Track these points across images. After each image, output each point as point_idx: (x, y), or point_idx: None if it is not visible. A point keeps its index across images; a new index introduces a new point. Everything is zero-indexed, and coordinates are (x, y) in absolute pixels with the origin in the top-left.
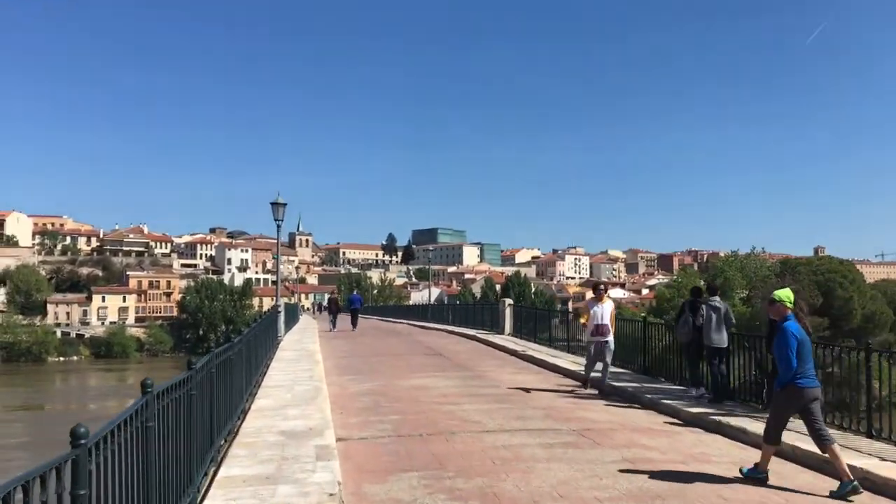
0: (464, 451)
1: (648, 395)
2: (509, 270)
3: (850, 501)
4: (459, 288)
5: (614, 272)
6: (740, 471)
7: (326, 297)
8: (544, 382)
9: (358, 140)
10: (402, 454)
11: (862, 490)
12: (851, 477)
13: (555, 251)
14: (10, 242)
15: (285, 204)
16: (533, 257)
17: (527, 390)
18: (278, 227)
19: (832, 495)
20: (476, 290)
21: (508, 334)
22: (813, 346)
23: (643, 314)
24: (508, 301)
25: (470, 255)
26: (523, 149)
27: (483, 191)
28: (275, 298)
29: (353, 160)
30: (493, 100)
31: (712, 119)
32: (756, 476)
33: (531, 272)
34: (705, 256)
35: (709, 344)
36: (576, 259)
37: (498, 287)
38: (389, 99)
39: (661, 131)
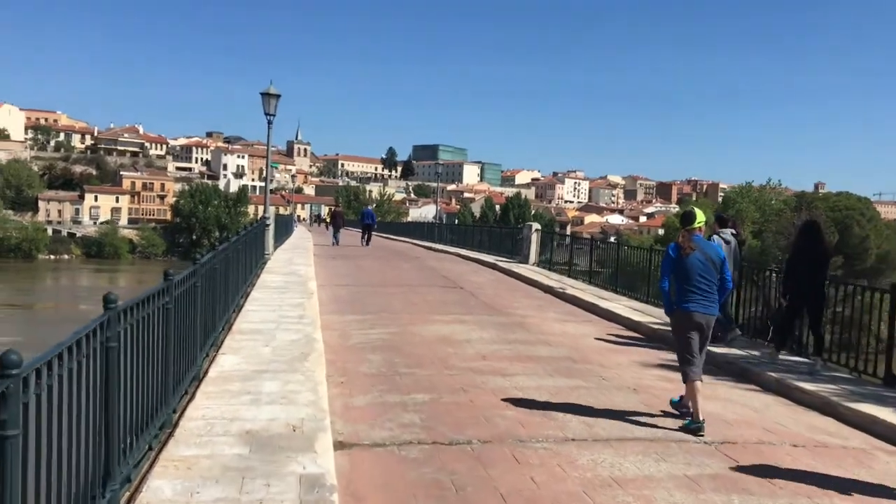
0: (559, 495)
1: (766, 371)
2: (509, 191)
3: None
4: (459, 206)
5: (613, 198)
6: (670, 401)
7: (324, 208)
8: (606, 337)
9: (362, 49)
10: (449, 498)
11: (704, 433)
12: (701, 419)
13: (555, 174)
14: (2, 136)
15: (278, 95)
16: (533, 179)
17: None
18: (269, 122)
19: (680, 429)
20: (475, 209)
21: (533, 264)
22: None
23: (651, 244)
24: (535, 225)
25: (470, 174)
26: (528, 68)
27: (486, 109)
28: (264, 208)
29: (356, 69)
30: (501, 14)
31: (722, 49)
32: (679, 409)
33: (531, 194)
34: (704, 187)
35: None
36: (575, 183)
37: (497, 208)
38: (397, 7)
39: (670, 57)
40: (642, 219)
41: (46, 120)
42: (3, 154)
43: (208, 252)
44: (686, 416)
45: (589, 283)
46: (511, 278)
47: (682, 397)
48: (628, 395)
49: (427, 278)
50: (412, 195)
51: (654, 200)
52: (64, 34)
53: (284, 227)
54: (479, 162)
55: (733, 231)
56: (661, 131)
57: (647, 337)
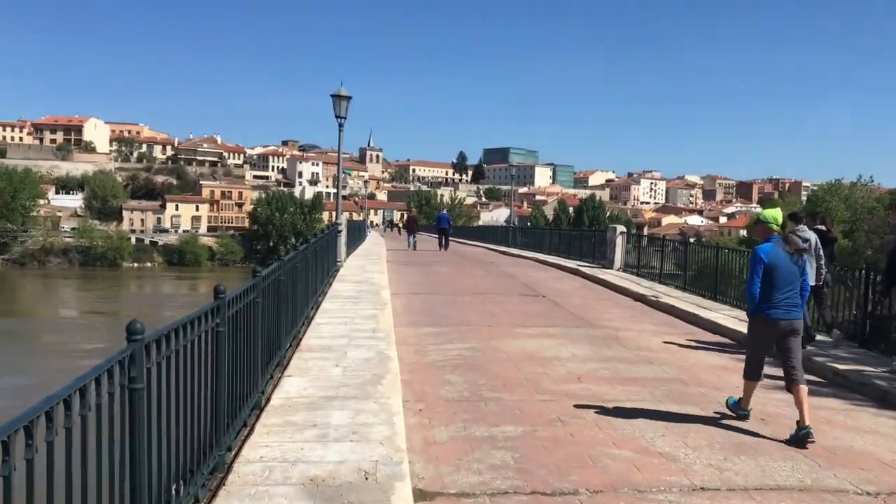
0: None
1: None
2: (582, 193)
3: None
4: (531, 209)
5: (691, 198)
6: (727, 401)
7: (397, 214)
8: (714, 354)
9: (432, 53)
10: None
11: (814, 439)
12: (807, 424)
13: (630, 175)
14: (88, 149)
15: (349, 97)
16: (607, 180)
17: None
18: (340, 125)
19: (788, 441)
20: (548, 211)
21: (619, 269)
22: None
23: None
24: (620, 228)
25: (542, 176)
26: (601, 67)
27: (558, 110)
28: (336, 214)
29: (426, 76)
30: (572, 13)
31: (803, 43)
32: (738, 411)
33: (605, 195)
34: (787, 185)
35: None
36: (651, 183)
37: (571, 210)
38: (465, 9)
39: (748, 54)
40: (722, 219)
41: (129, 132)
42: (89, 166)
43: (273, 263)
44: (743, 417)
45: (684, 290)
46: (597, 285)
47: (740, 399)
48: (757, 427)
49: (505, 286)
50: (483, 199)
51: (734, 200)
52: (144, 49)
53: (357, 233)
54: (550, 164)
55: (822, 228)
56: (740, 129)
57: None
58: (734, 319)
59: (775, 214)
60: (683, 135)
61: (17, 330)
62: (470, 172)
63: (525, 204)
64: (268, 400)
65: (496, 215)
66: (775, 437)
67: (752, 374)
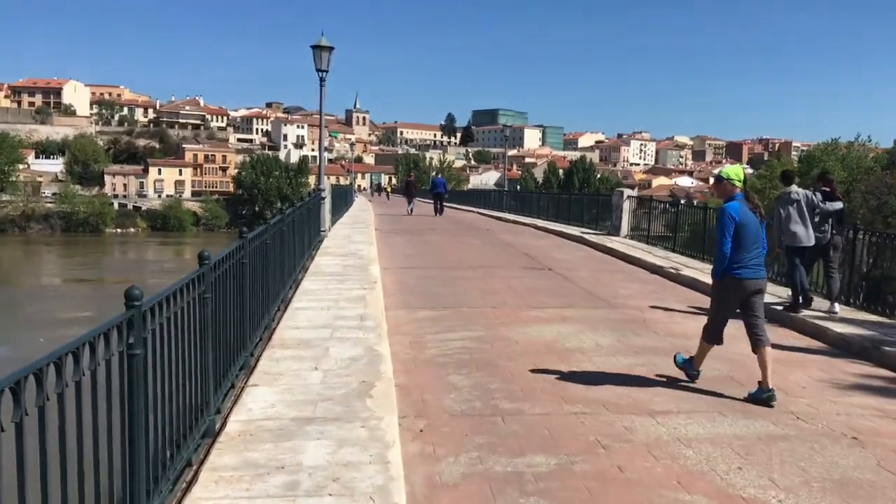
0: None
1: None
2: (572, 155)
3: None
4: (520, 172)
5: (681, 159)
6: (674, 358)
7: (384, 177)
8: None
9: (418, 15)
10: None
11: (775, 402)
12: (770, 387)
13: (619, 136)
14: (68, 112)
15: (331, 48)
16: (596, 142)
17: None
18: (321, 79)
19: (747, 397)
20: (538, 174)
21: (625, 236)
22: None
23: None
24: (628, 192)
25: (531, 138)
26: (588, 28)
27: (546, 72)
28: (318, 178)
29: (412, 36)
30: None
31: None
32: (688, 371)
33: (595, 157)
34: (777, 145)
35: (788, 244)
36: (641, 144)
37: (561, 172)
38: None
39: (738, 12)
40: (712, 180)
41: (110, 95)
42: (70, 130)
43: (230, 246)
44: (693, 378)
45: (702, 259)
46: (605, 255)
47: (692, 358)
48: (852, 455)
49: (506, 257)
50: (472, 162)
51: (723, 161)
52: (124, 8)
53: (343, 199)
54: (540, 126)
55: (826, 189)
56: (730, 89)
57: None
58: (774, 296)
59: (737, 171)
60: (673, 95)
61: (2, 298)
62: (458, 135)
63: (514, 167)
64: (224, 424)
65: (486, 178)
66: (885, 467)
67: (713, 338)
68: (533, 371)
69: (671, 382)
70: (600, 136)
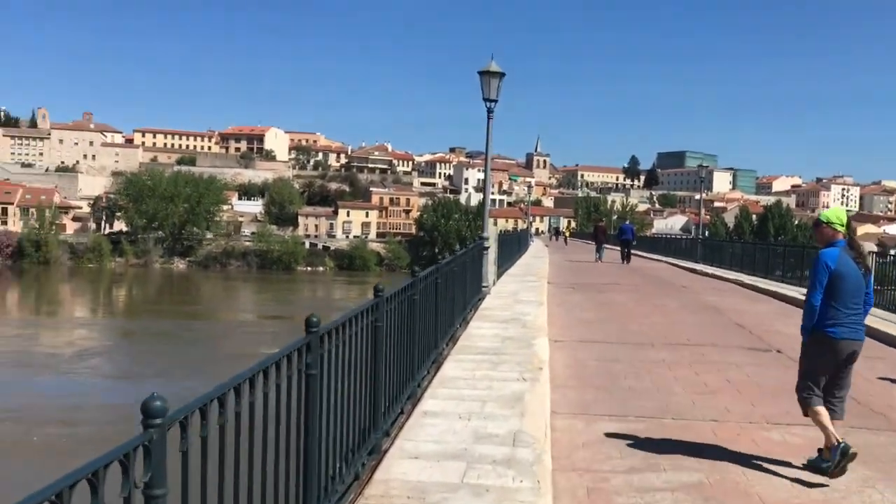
0: None
1: None
2: (765, 199)
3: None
4: (709, 217)
5: (889, 205)
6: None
7: (563, 221)
8: None
9: (601, 56)
10: None
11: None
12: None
13: (818, 180)
14: (269, 157)
15: (501, 74)
16: (792, 186)
17: None
18: (489, 110)
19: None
20: (728, 219)
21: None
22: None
23: None
24: (870, 246)
25: (721, 182)
26: (784, 66)
27: (737, 112)
28: (483, 223)
29: (595, 78)
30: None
31: None
32: (817, 466)
33: (791, 202)
34: None
35: None
36: (843, 189)
37: (754, 217)
38: (634, 10)
39: None
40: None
41: (307, 141)
42: (269, 174)
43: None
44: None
45: None
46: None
47: (822, 450)
48: None
49: (715, 329)
50: (656, 205)
51: None
52: (323, 62)
53: (517, 245)
54: (730, 168)
55: None
56: None
57: None
58: None
59: (839, 214)
60: (880, 138)
61: (201, 332)
62: (642, 178)
63: (703, 211)
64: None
65: (671, 223)
66: None
67: (813, 401)
68: None
69: None
70: (797, 180)
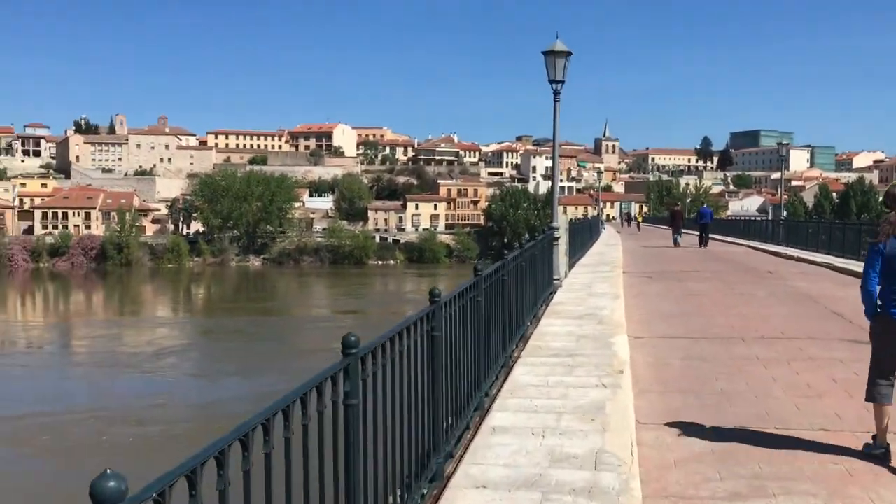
0: None
1: None
2: (845, 176)
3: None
4: (786, 196)
5: None
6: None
7: (634, 206)
8: None
9: (668, 35)
10: None
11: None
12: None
13: None
14: (338, 153)
15: (567, 53)
16: (875, 161)
17: None
18: (555, 92)
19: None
20: (807, 198)
21: None
22: None
23: None
24: None
25: (798, 160)
26: (858, 39)
27: (812, 88)
28: (552, 213)
29: (663, 59)
30: None
31: None
32: (872, 452)
33: (874, 178)
34: None
35: None
36: None
37: (834, 195)
38: None
39: None
40: None
41: (374, 136)
42: (339, 170)
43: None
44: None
45: None
46: None
47: (874, 436)
48: None
49: (811, 320)
50: (731, 186)
51: None
52: (388, 56)
53: (588, 233)
54: (807, 146)
55: None
56: None
57: None
58: None
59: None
60: None
61: (276, 329)
62: (715, 159)
63: (779, 190)
64: None
65: (746, 204)
66: None
67: (879, 396)
68: None
69: None
70: (879, 155)
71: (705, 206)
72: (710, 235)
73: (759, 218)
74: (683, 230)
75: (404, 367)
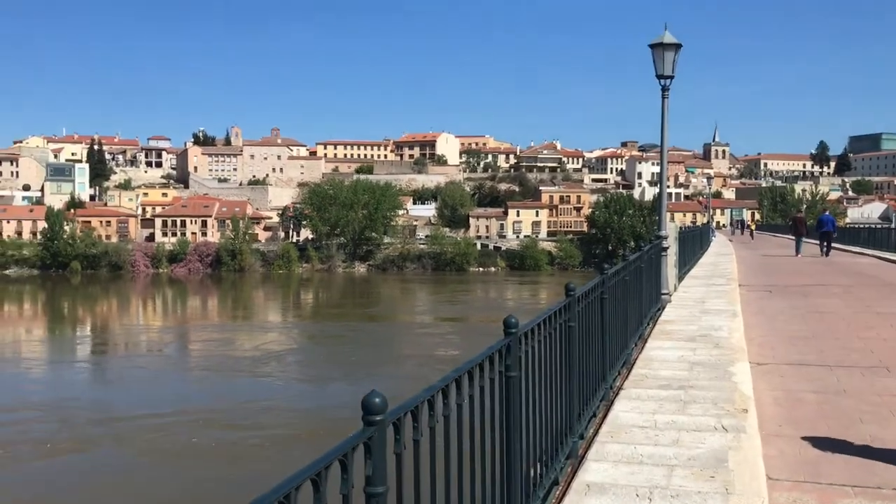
0: None
1: None
2: None
3: None
4: None
5: None
6: None
7: (746, 213)
8: None
9: (781, 38)
10: None
11: None
12: None
13: None
14: (441, 161)
15: (677, 45)
16: None
17: None
18: (663, 88)
19: None
20: None
21: None
22: None
23: None
24: None
25: None
26: None
27: None
28: (659, 221)
29: (775, 61)
30: None
31: None
32: None
33: None
34: None
35: None
36: None
37: None
38: None
39: None
40: None
41: (476, 144)
42: (442, 178)
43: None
44: None
45: None
46: None
47: None
48: None
49: None
50: (850, 193)
51: None
52: (490, 65)
53: (698, 242)
54: None
55: None
56: None
57: None
58: None
59: None
60: None
61: (380, 334)
62: (832, 164)
63: None
64: None
65: (867, 211)
66: None
67: None
68: None
69: None
70: None
71: (826, 212)
72: (833, 245)
73: (883, 226)
74: (805, 240)
75: (547, 352)
